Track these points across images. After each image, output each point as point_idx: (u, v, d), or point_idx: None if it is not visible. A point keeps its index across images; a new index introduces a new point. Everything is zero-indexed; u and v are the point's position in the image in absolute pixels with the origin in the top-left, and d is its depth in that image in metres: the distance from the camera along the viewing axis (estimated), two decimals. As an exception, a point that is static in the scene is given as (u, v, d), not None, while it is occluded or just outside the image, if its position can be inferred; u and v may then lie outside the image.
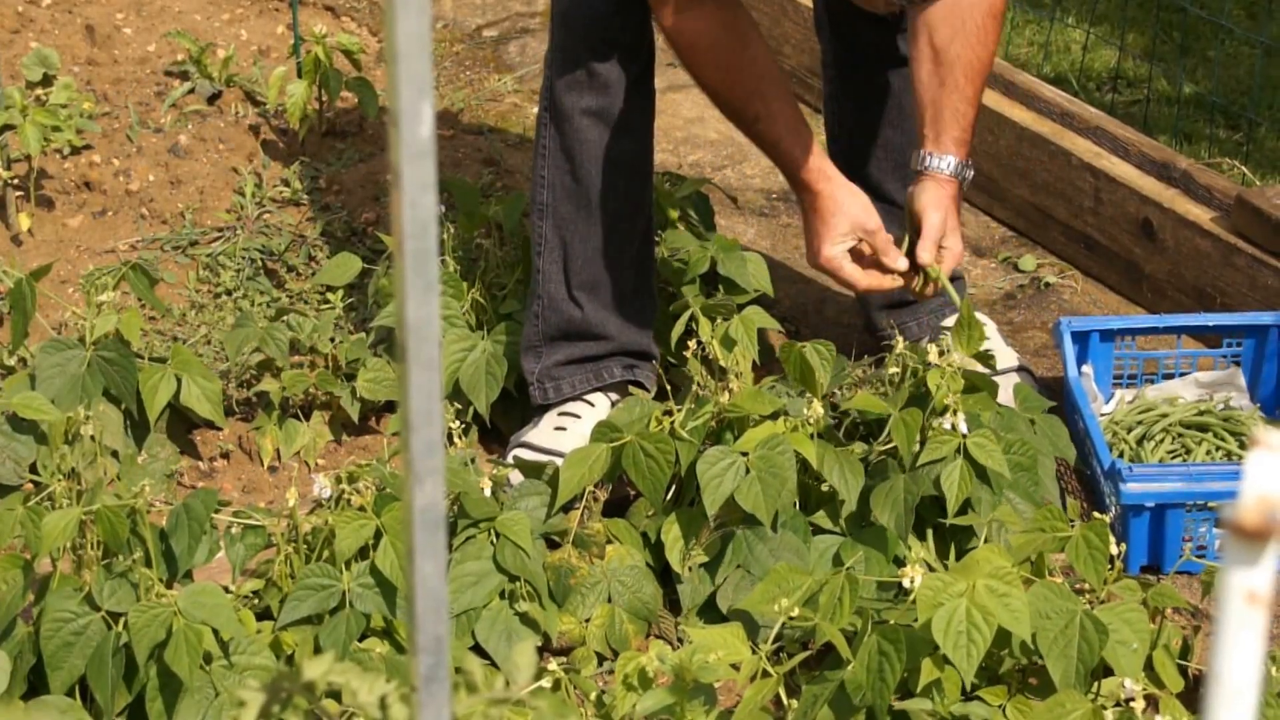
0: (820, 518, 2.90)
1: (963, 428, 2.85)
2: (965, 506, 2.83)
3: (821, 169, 2.97)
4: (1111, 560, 2.63)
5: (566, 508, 2.91)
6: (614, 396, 3.25)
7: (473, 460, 2.99)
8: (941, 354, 2.91)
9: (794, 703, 2.59)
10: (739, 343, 3.01)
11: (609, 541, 2.89)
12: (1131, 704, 2.52)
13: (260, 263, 3.85)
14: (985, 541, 2.79)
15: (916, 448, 2.84)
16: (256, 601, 2.78)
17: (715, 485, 2.80)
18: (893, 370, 2.98)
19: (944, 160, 2.95)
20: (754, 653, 2.59)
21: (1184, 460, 3.14)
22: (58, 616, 2.60)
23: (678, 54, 3.01)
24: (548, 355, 3.22)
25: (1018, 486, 2.89)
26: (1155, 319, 3.37)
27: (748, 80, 2.96)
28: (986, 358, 3.01)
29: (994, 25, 2.98)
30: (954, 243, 2.97)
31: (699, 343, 3.04)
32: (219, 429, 3.32)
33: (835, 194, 2.96)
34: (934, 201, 2.95)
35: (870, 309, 3.47)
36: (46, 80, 4.09)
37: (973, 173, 3.00)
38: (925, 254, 2.94)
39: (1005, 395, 3.10)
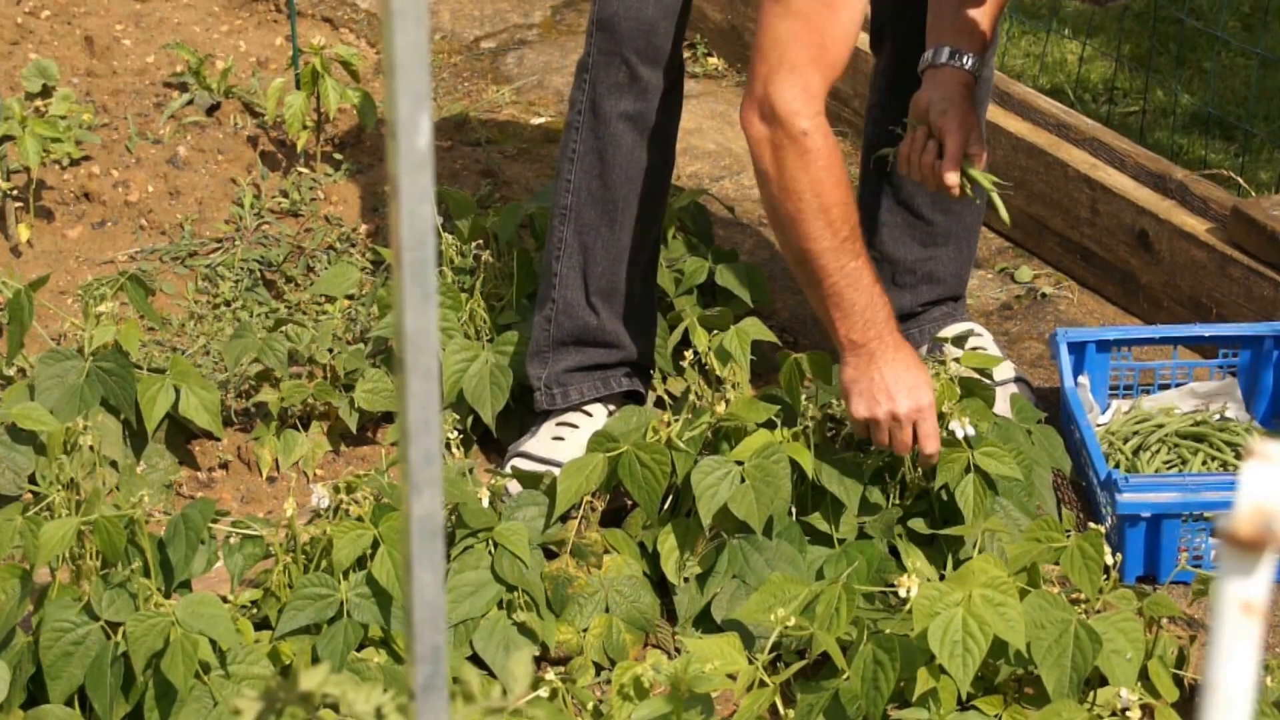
0: (816, 519, 2.90)
1: (969, 430, 2.83)
2: (956, 515, 2.84)
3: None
4: (1107, 570, 2.63)
5: (564, 517, 2.92)
6: (611, 407, 3.25)
7: (471, 470, 2.99)
8: (941, 362, 2.91)
9: (790, 712, 2.59)
10: (734, 355, 3.01)
11: (607, 551, 2.89)
12: (1127, 713, 2.52)
13: (259, 273, 3.85)
14: (979, 551, 2.79)
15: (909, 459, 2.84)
16: (254, 611, 2.78)
17: (710, 495, 2.80)
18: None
19: (966, 58, 2.87)
20: (750, 663, 2.59)
21: (1180, 471, 3.14)
22: (56, 626, 2.60)
23: (801, 164, 2.68)
24: (555, 360, 3.22)
25: (1011, 495, 2.89)
26: (1151, 330, 3.37)
27: (854, 207, 2.75)
28: (987, 373, 3.01)
29: None
30: (980, 147, 2.89)
31: (695, 353, 3.04)
32: (217, 439, 3.32)
33: (914, 353, 2.82)
34: (961, 116, 2.84)
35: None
36: (46, 91, 4.09)
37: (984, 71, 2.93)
38: (952, 176, 2.85)
39: (1002, 406, 3.10)
